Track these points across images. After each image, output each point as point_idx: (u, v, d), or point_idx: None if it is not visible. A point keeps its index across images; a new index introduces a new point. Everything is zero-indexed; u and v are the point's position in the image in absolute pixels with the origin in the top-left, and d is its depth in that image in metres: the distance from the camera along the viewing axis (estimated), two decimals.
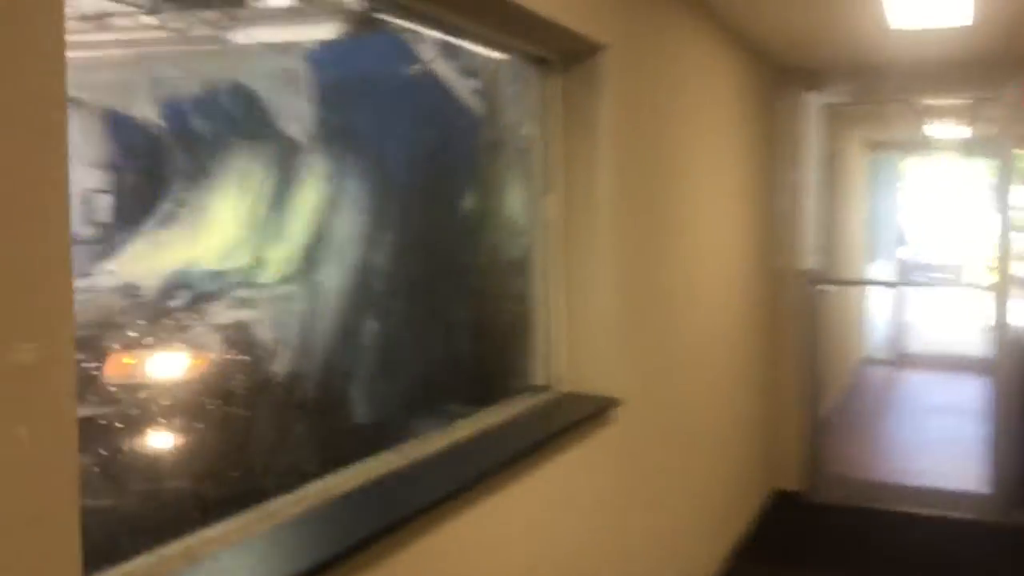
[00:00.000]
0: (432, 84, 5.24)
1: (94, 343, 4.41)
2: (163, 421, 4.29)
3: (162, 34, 5.29)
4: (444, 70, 5.23)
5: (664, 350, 4.69)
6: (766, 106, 6.99)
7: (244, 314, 4.78)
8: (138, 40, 5.38)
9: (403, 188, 5.70)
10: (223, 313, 4.77)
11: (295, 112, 5.36)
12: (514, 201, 4.25)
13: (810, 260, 7.33)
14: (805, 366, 7.24)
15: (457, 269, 5.22)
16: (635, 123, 4.18)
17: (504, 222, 4.34)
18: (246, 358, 4.58)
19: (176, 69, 5.49)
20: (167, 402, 4.29)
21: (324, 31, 5.11)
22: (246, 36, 5.22)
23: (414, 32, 5.10)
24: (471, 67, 5.35)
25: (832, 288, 7.63)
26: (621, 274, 3.92)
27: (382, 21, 4.86)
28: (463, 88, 5.31)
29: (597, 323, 3.64)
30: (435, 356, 5.39)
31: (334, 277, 5.27)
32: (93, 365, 4.32)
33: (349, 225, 5.41)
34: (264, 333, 4.73)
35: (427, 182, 5.49)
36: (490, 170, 4.93)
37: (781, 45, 6.47)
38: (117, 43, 5.45)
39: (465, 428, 3.15)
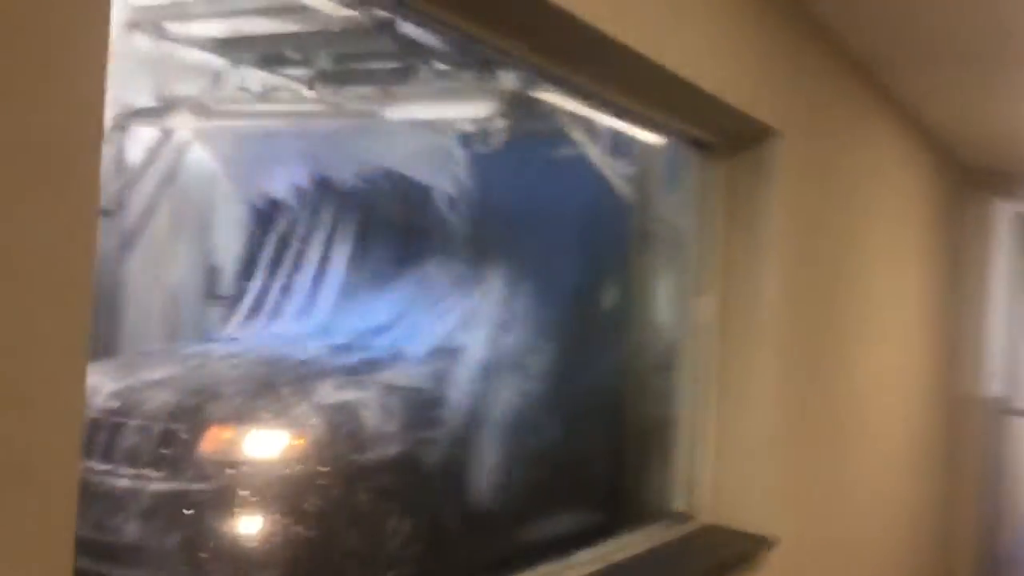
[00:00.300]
0: (583, 168, 4.97)
1: (198, 412, 4.28)
2: (253, 503, 4.04)
3: (319, 107, 5.27)
4: (595, 154, 4.96)
5: (829, 481, 4.09)
6: (951, 211, 6.33)
7: (350, 395, 4.50)
8: (296, 112, 5.38)
9: (550, 281, 5.40)
10: (329, 392, 4.49)
11: (445, 191, 5.21)
12: (664, 298, 3.85)
13: (996, 386, 6.52)
14: (987, 505, 6.38)
15: (596, 369, 4.84)
16: (806, 220, 3.73)
17: (651, 321, 3.93)
18: (347, 441, 4.27)
19: (331, 144, 5.45)
20: (261, 483, 4.05)
21: (478, 109, 4.95)
22: (401, 112, 5.12)
23: (566, 113, 4.87)
24: (623, 151, 5.05)
25: (1021, 419, 6.77)
26: (782, 389, 3.42)
27: (535, 100, 4.65)
28: (614, 173, 5.01)
29: (751, 444, 3.12)
30: (563, 461, 4.99)
31: (469, 363, 4.98)
32: (191, 436, 4.16)
33: (489, 308, 5.16)
34: (371, 417, 4.42)
35: (574, 274, 5.19)
36: (639, 263, 4.57)
37: (970, 143, 5.86)
38: (276, 114, 5.47)
39: (592, 561, 2.71)
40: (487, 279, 5.24)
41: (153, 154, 6.46)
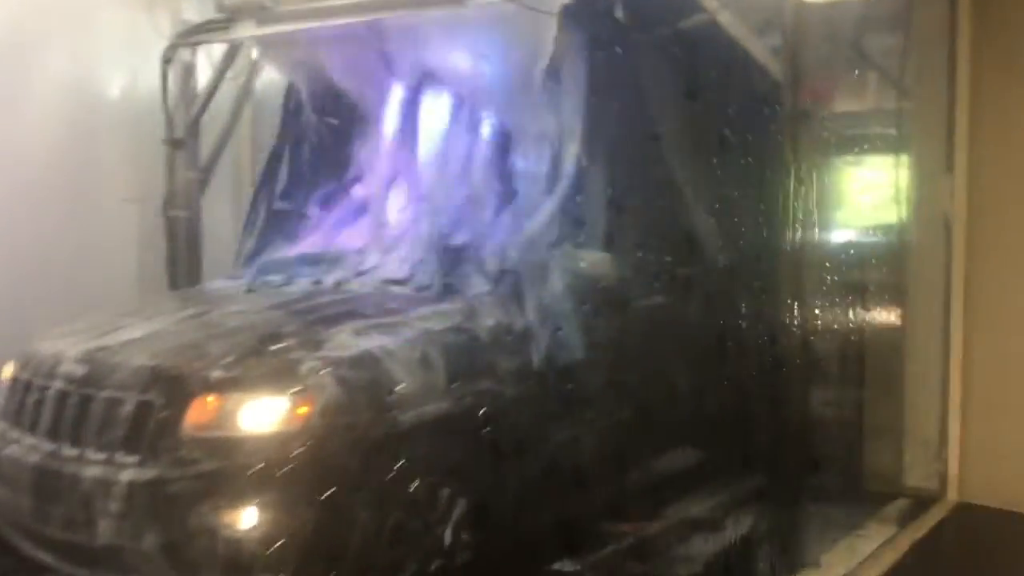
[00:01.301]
0: (716, 40, 4.08)
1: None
2: (249, 490, 3.14)
3: None
4: (732, 22, 4.05)
5: None
6: None
7: (373, 342, 3.50)
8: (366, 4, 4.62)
9: (669, 181, 4.55)
10: (346, 341, 3.48)
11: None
12: (847, 200, 2.96)
13: None
14: None
15: (759, 299, 4.01)
16: None
17: (831, 229, 3.04)
18: (369, 403, 3.34)
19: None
20: (259, 464, 3.14)
21: None
22: None
23: None
24: (767, 18, 4.13)
25: None
26: None
27: None
28: (758, 44, 4.10)
29: (1016, 395, 2.22)
30: (720, 420, 4.21)
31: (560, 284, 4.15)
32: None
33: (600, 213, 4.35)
34: (402, 368, 3.46)
35: (710, 174, 4.32)
36: (801, 153, 3.69)
37: None
38: (342, 10, 4.72)
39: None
40: (590, 176, 4.35)
41: (221, 74, 5.84)
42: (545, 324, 3.91)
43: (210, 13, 5.57)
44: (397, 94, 4.74)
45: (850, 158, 4.49)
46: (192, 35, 5.66)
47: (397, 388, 3.42)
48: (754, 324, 4.17)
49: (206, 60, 5.87)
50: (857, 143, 4.50)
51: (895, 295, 3.37)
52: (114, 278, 5.60)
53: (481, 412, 3.63)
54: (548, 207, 4.20)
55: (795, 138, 3.70)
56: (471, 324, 3.81)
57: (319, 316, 3.80)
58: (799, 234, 3.54)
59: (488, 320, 3.88)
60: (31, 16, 5.16)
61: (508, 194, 4.36)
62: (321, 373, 3.30)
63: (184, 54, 5.74)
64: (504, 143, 4.46)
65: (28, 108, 5.20)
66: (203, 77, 5.88)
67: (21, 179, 5.11)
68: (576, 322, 4.02)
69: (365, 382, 3.38)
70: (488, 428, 3.63)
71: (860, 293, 4.00)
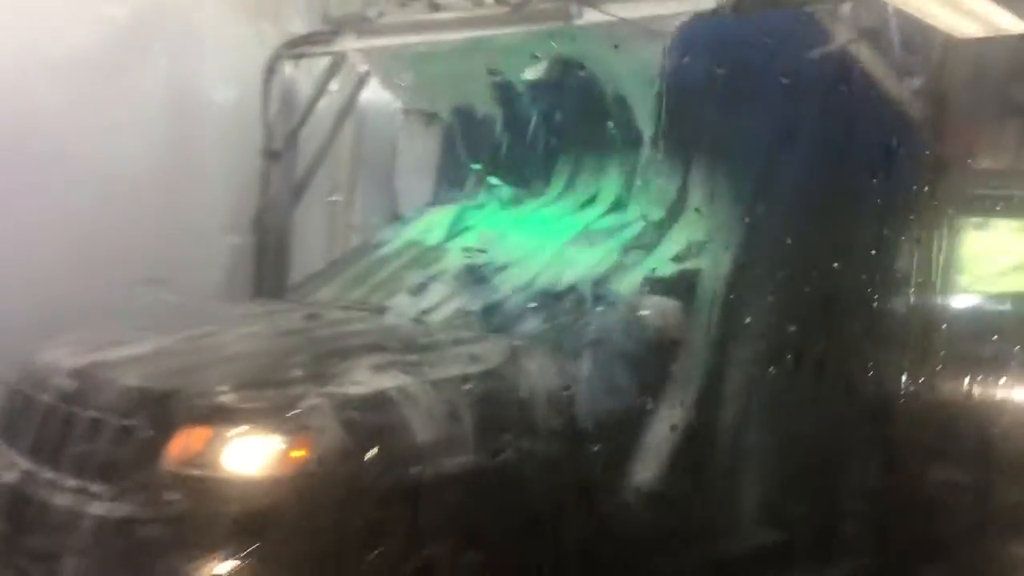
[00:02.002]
0: (850, 76, 3.66)
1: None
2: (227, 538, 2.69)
3: (500, 11, 4.23)
4: (869, 56, 3.62)
5: None
6: None
7: (390, 382, 3.04)
8: (474, 19, 4.38)
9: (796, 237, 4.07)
10: (361, 378, 3.02)
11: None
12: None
13: None
14: None
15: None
16: None
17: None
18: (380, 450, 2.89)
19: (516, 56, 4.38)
20: (241, 509, 2.72)
21: (698, 1, 3.74)
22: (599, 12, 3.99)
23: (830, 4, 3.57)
24: (909, 54, 3.69)
25: None
26: None
27: None
28: (896, 84, 3.66)
29: None
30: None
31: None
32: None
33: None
34: (421, 414, 3.00)
35: (835, 229, 3.84)
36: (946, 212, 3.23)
37: None
38: (447, 24, 4.50)
39: None
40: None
41: (323, 86, 5.70)
42: (598, 378, 3.46)
43: (316, 25, 5.49)
44: None
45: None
46: (296, 46, 5.54)
47: (414, 436, 2.98)
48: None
49: (308, 73, 5.75)
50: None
51: None
52: (203, 288, 5.50)
53: (514, 471, 3.18)
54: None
55: (934, 190, 3.25)
56: (511, 370, 3.35)
57: (336, 347, 3.40)
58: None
59: (532, 368, 3.40)
60: (133, 24, 5.12)
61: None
62: (324, 412, 2.87)
63: (287, 65, 5.62)
64: None
65: (129, 117, 5.15)
66: (306, 89, 5.76)
67: (118, 191, 5.03)
68: (637, 379, 3.57)
69: (376, 427, 2.94)
70: (521, 490, 3.18)
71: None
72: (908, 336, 3.66)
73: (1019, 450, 4.31)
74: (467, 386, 3.16)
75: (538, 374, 3.36)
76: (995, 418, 4.11)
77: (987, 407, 4.13)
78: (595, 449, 3.36)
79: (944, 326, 4.05)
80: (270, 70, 5.52)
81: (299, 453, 2.81)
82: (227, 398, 2.93)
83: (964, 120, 3.48)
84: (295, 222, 5.83)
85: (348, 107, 5.90)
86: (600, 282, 3.74)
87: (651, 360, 3.61)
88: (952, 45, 3.34)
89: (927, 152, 3.62)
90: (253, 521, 2.74)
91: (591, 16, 3.95)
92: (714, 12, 3.66)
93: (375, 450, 2.89)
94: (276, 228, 5.71)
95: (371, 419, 2.92)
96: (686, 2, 3.71)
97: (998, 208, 4.01)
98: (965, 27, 3.20)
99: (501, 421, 3.19)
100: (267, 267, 5.65)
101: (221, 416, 2.88)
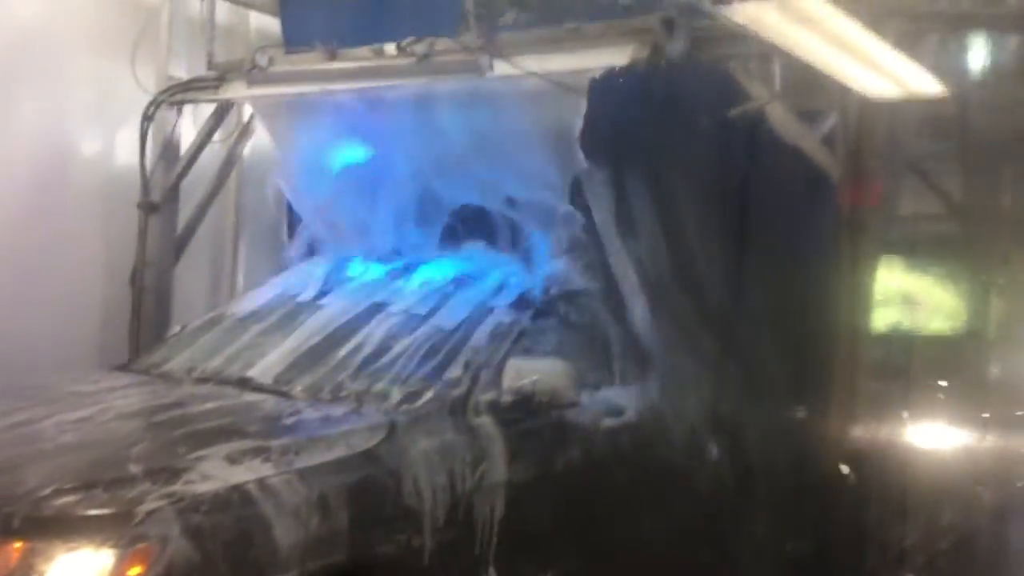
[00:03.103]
0: (764, 133, 3.64)
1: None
2: None
3: (403, 63, 4.05)
4: (780, 115, 3.62)
5: None
6: None
7: (246, 475, 2.58)
8: (372, 69, 4.18)
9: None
10: (214, 470, 2.56)
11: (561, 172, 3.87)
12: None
13: None
14: None
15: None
16: None
17: None
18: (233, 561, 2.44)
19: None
20: None
21: (612, 56, 3.66)
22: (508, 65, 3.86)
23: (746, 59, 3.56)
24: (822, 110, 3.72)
25: None
26: None
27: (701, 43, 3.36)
28: (808, 139, 3.67)
29: None
30: None
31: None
32: None
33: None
34: (284, 513, 2.56)
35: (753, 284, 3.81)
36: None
37: None
38: (347, 74, 4.28)
39: None
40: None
41: (207, 135, 5.38)
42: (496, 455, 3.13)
43: (199, 70, 5.19)
44: None
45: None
46: (177, 92, 5.21)
47: (277, 539, 2.53)
48: None
49: (191, 120, 5.42)
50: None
51: None
52: (74, 353, 5.03)
53: (396, 570, 2.80)
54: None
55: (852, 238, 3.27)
56: (390, 450, 2.92)
57: (185, 432, 2.90)
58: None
59: (414, 447, 2.98)
60: None
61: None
62: (166, 518, 2.39)
63: (167, 112, 5.28)
64: None
65: None
66: (187, 138, 5.42)
67: None
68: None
69: (229, 532, 2.47)
70: None
71: None
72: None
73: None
74: (340, 474, 2.74)
75: (421, 456, 2.96)
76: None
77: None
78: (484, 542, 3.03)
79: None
80: (148, 117, 5.17)
81: (135, 570, 2.34)
82: (47, 504, 2.43)
83: (872, 173, 3.52)
84: (175, 280, 5.46)
85: (233, 157, 5.59)
86: (488, 341, 3.46)
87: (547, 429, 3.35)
88: (864, 104, 3.37)
89: (836, 203, 3.65)
90: None
91: (501, 69, 3.81)
92: (628, 68, 3.58)
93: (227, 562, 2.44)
94: (154, 286, 5.33)
95: (223, 522, 2.47)
96: (599, 56, 3.62)
97: (901, 250, 4.17)
98: (877, 87, 3.22)
99: (379, 512, 2.80)
100: (145, 329, 5.25)
101: (39, 527, 2.38)
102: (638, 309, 3.73)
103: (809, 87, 3.56)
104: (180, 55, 5.36)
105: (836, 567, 3.96)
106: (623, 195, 3.68)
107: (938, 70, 3.30)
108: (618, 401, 3.62)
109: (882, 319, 4.30)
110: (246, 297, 4.47)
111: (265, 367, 3.58)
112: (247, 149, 5.59)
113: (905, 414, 4.73)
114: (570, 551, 3.32)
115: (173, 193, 5.37)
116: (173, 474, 2.55)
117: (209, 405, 3.20)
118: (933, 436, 5.11)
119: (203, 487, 2.51)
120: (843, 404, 3.57)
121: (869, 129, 3.37)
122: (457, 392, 3.23)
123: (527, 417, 3.26)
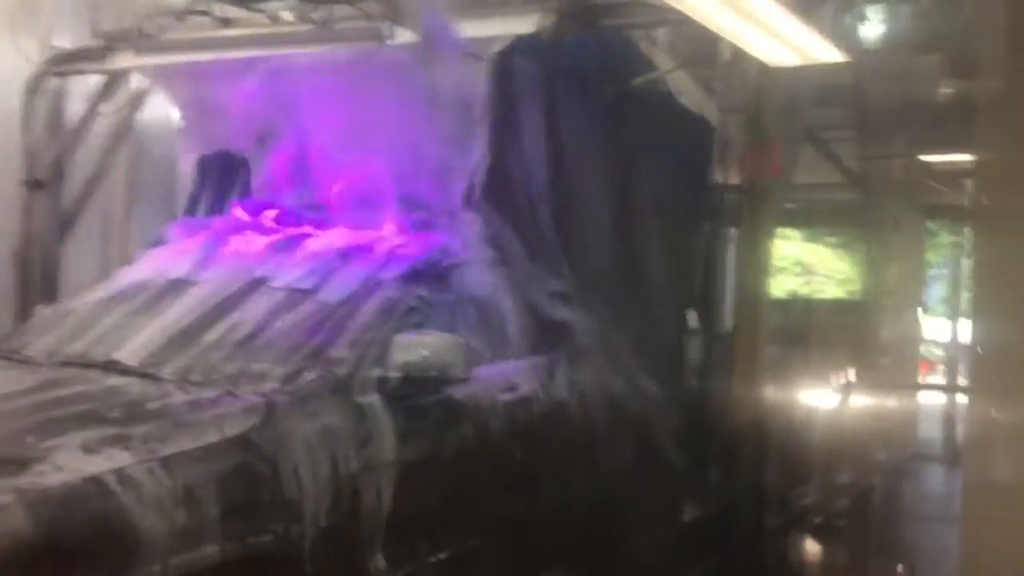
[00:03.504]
0: (665, 101, 3.66)
1: None
2: None
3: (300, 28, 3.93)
4: (685, 83, 3.65)
5: None
6: None
7: (104, 464, 2.34)
8: (269, 37, 4.05)
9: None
10: (70, 460, 2.32)
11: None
12: None
13: None
14: None
15: None
16: None
17: None
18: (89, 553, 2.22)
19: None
20: None
21: (519, 24, 3.63)
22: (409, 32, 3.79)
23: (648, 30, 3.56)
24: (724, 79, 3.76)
25: None
26: None
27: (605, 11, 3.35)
28: (710, 106, 3.71)
29: None
30: None
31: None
32: None
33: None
34: (146, 504, 2.32)
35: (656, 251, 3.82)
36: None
37: None
38: (241, 42, 4.14)
39: None
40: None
41: (95, 107, 5.14)
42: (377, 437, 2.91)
43: (85, 39, 4.95)
44: None
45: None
46: (63, 63, 4.96)
47: (138, 532, 2.30)
48: None
49: (77, 92, 5.16)
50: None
51: None
52: None
53: (274, 561, 2.61)
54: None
55: (752, 207, 3.31)
56: (266, 436, 2.69)
57: (40, 419, 2.66)
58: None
59: (296, 429, 2.76)
60: None
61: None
62: (13, 512, 2.15)
63: (52, 84, 5.02)
64: None
65: None
66: (74, 111, 5.17)
67: None
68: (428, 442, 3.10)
69: (83, 528, 2.24)
70: None
71: None
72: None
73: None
74: (209, 462, 2.52)
75: (301, 439, 2.74)
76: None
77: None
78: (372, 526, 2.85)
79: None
80: (32, 90, 4.91)
81: None
82: None
83: (773, 141, 3.57)
84: (63, 257, 5.22)
85: (123, 129, 5.36)
86: (376, 316, 3.26)
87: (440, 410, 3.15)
88: (766, 72, 3.42)
89: (737, 170, 3.70)
90: None
91: (403, 36, 3.73)
92: (533, 35, 3.55)
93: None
94: (40, 264, 5.08)
95: (77, 516, 2.24)
96: (505, 24, 3.58)
97: (799, 218, 4.25)
98: (779, 55, 3.27)
99: (254, 502, 2.58)
100: (30, 310, 5.00)
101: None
102: (534, 278, 3.66)
103: (710, 56, 3.59)
104: (65, 24, 5.11)
105: (736, 531, 4.04)
106: (524, 165, 3.64)
107: (835, 37, 3.36)
108: (513, 376, 3.47)
109: (780, 286, 4.40)
110: (118, 274, 4.13)
111: (133, 349, 3.30)
112: (139, 121, 5.38)
113: (803, 378, 4.88)
114: (465, 531, 3.18)
115: (59, 168, 5.13)
116: (21, 465, 2.31)
117: (69, 390, 2.95)
118: (829, 399, 5.29)
119: (56, 478, 2.28)
120: (741, 369, 3.63)
121: (768, 97, 3.41)
122: (342, 370, 3.04)
123: (416, 394, 3.07)
